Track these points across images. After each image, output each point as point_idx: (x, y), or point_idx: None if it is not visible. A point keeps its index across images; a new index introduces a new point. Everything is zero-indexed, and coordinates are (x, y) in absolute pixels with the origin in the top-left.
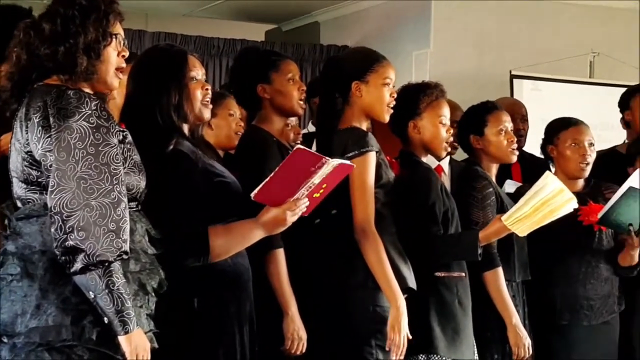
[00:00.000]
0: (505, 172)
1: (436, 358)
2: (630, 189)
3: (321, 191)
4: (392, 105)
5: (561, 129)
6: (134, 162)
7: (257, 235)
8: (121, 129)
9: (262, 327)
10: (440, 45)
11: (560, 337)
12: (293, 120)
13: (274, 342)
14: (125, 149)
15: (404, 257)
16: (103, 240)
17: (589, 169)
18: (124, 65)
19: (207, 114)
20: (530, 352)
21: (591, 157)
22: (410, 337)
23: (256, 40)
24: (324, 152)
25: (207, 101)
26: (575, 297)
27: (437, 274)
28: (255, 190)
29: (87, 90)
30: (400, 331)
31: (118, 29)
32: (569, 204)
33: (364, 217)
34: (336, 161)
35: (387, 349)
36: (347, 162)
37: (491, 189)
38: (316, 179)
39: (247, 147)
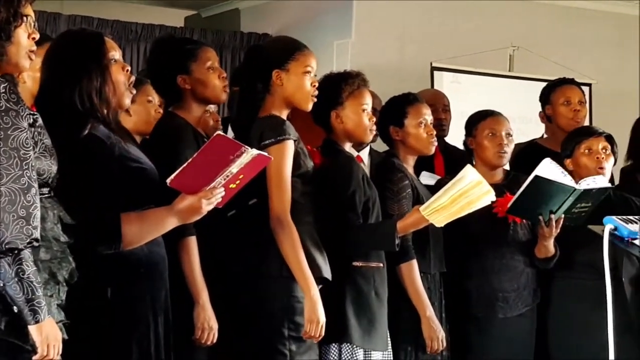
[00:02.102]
0: (428, 164)
1: (349, 347)
2: (536, 177)
3: (237, 182)
4: (315, 95)
5: (479, 120)
6: (44, 147)
7: (172, 223)
8: (31, 112)
9: (176, 316)
10: (361, 35)
11: (475, 329)
12: (212, 107)
13: (187, 332)
14: (35, 132)
15: (319, 247)
16: (12, 227)
17: (507, 157)
18: (34, 47)
19: (128, 100)
20: (444, 344)
21: (509, 147)
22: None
23: (175, 26)
24: (242, 141)
25: (130, 86)
26: (490, 290)
27: (355, 263)
28: (172, 176)
29: None
30: (318, 322)
31: (29, 10)
32: (486, 196)
33: (279, 206)
34: (255, 151)
35: (304, 338)
36: (266, 154)
37: (407, 182)
38: (234, 168)
39: (162, 133)
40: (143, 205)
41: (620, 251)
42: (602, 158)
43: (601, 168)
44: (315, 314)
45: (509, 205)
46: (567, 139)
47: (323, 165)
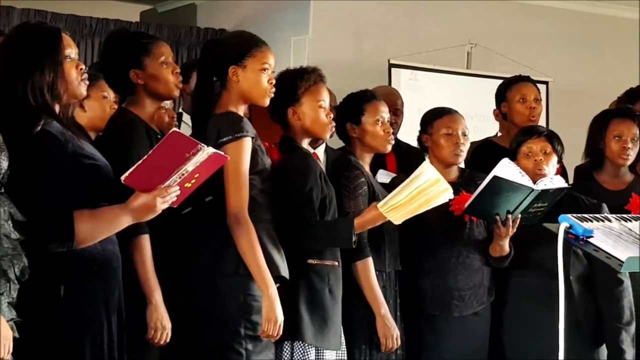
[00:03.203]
0: (380, 162)
1: (301, 345)
2: (495, 178)
3: (193, 181)
4: (272, 91)
5: (435, 118)
6: None
7: (125, 221)
8: None
9: (130, 315)
10: (319, 31)
11: (430, 327)
12: (168, 103)
13: (140, 331)
14: None
15: (277, 245)
16: None
17: (463, 156)
18: None
19: (83, 90)
20: (399, 343)
21: (465, 146)
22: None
23: (130, 20)
24: (198, 138)
25: (84, 78)
26: (446, 288)
27: (310, 261)
28: (127, 173)
29: None
30: (276, 321)
31: None
32: (444, 194)
33: (236, 204)
34: (211, 150)
35: (262, 337)
36: (222, 152)
37: (363, 179)
38: (190, 166)
39: (113, 130)
40: (96, 203)
41: (569, 250)
42: (541, 160)
43: (539, 169)
44: (273, 312)
45: (466, 205)
46: (512, 142)
47: (281, 162)
